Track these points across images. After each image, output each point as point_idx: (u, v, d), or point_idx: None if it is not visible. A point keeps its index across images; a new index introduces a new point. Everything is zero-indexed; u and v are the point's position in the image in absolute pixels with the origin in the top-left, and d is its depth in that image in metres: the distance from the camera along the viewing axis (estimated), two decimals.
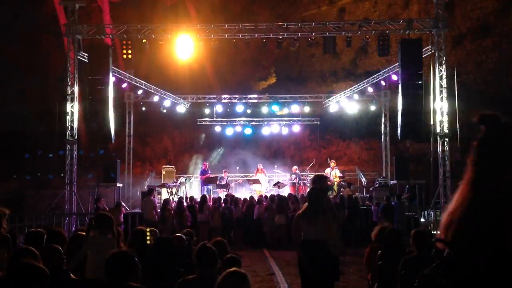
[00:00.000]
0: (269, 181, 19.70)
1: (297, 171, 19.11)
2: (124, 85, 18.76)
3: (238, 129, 23.17)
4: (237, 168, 21.22)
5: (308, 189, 15.03)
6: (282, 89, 26.70)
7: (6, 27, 26.08)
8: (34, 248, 4.08)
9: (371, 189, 18.38)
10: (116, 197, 16.62)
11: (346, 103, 20.97)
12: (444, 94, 15.52)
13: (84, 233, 5.80)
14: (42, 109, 25.64)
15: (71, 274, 4.32)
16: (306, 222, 5.64)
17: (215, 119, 22.73)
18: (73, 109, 15.82)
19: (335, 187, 18.15)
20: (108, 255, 3.31)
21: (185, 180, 19.27)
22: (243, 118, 22.60)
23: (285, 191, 17.94)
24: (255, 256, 12.25)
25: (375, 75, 19.87)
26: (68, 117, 15.74)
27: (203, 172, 18.95)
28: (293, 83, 28.88)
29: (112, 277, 3.17)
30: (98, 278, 4.51)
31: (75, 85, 15.96)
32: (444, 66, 15.57)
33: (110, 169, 16.47)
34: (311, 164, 20.16)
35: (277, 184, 18.54)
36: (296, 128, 23.16)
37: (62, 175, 16.46)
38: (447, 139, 15.39)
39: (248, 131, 23.24)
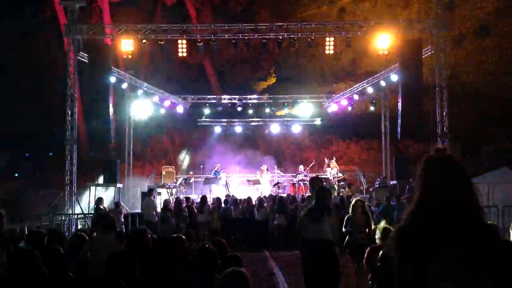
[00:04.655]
0: (269, 181, 19.72)
1: (303, 171, 19.21)
2: (124, 85, 18.77)
3: (238, 129, 23.18)
4: (237, 168, 21.22)
5: (308, 189, 15.04)
6: (282, 89, 26.70)
7: (6, 27, 26.10)
8: (35, 249, 4.08)
9: (371, 189, 18.38)
10: (116, 197, 16.61)
11: (346, 104, 20.97)
12: (444, 94, 15.52)
13: (84, 233, 5.81)
14: (42, 109, 25.65)
15: (71, 274, 4.32)
16: (311, 221, 5.66)
17: (215, 119, 22.73)
18: (73, 109, 15.82)
19: (336, 187, 18.17)
20: (108, 255, 3.31)
21: (185, 180, 19.28)
22: (243, 119, 22.60)
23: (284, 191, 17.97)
24: (255, 256, 12.24)
25: (375, 75, 19.87)
26: (68, 117, 15.73)
27: (216, 173, 19.02)
28: (293, 83, 28.86)
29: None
30: (99, 278, 4.51)
31: (75, 85, 15.97)
32: (444, 66, 15.58)
33: (110, 169, 16.47)
34: (311, 164, 20.16)
35: (277, 184, 18.56)
36: (296, 128, 23.17)
37: (62, 175, 16.46)
38: (447, 139, 15.39)
39: (248, 131, 23.23)
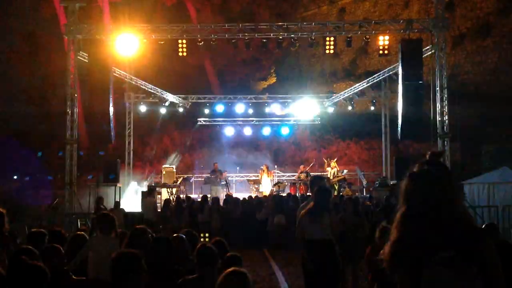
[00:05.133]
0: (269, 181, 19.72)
1: (305, 170, 19.20)
2: (124, 85, 18.77)
3: (238, 129, 23.19)
4: (237, 168, 21.23)
5: (309, 189, 15.04)
6: (282, 89, 26.71)
7: (6, 27, 26.08)
8: (36, 248, 4.08)
9: (371, 189, 18.38)
10: (116, 197, 16.61)
11: (346, 103, 20.98)
12: (444, 94, 15.52)
13: (84, 233, 5.80)
14: (42, 109, 25.65)
15: (71, 275, 4.32)
16: (311, 221, 5.65)
17: (215, 119, 22.74)
18: (73, 109, 15.82)
19: (336, 186, 18.18)
20: (113, 254, 3.28)
21: (185, 180, 19.30)
22: (243, 118, 22.61)
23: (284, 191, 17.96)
24: (255, 256, 12.24)
25: (375, 75, 19.88)
26: (68, 117, 15.73)
27: (214, 173, 19.02)
28: (293, 83, 28.87)
29: (117, 277, 3.15)
30: (100, 278, 4.51)
31: (75, 85, 15.96)
32: (444, 66, 15.57)
33: (110, 169, 16.46)
34: (311, 164, 20.18)
35: (277, 184, 18.57)
36: (296, 128, 23.16)
37: (62, 175, 16.47)
38: (447, 139, 15.39)
39: (248, 131, 23.26)
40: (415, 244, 2.08)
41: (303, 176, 18.90)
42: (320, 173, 18.29)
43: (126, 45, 15.81)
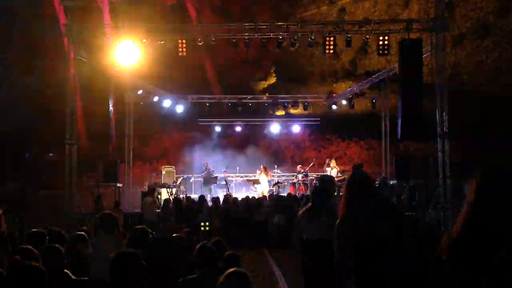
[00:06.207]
0: (269, 181, 19.72)
1: (303, 170, 19.20)
2: (124, 85, 18.76)
3: (238, 129, 23.19)
4: (237, 168, 21.22)
5: (309, 188, 15.03)
6: (282, 89, 26.72)
7: (6, 27, 26.09)
8: (36, 249, 4.09)
9: None
10: (116, 197, 16.61)
11: (346, 103, 20.98)
12: (444, 94, 15.50)
13: (84, 233, 5.80)
14: (42, 109, 25.63)
15: (71, 275, 4.32)
16: (309, 221, 5.65)
17: (215, 119, 22.72)
18: (73, 109, 15.80)
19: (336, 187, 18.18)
20: (113, 254, 3.29)
21: (185, 180, 19.30)
22: (243, 118, 22.61)
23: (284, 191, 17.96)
24: (255, 256, 12.24)
25: (375, 75, 19.87)
26: (68, 117, 15.71)
27: (206, 172, 19.01)
28: (293, 83, 28.87)
29: (117, 277, 3.15)
30: (101, 279, 4.50)
31: (75, 85, 15.94)
32: (444, 66, 15.56)
33: (110, 169, 16.45)
34: (311, 164, 20.17)
35: (277, 184, 18.58)
36: (296, 128, 23.15)
37: (62, 175, 16.43)
38: (447, 139, 15.37)
39: (247, 131, 23.26)
40: (482, 241, 2.14)
41: (301, 176, 18.90)
42: (319, 174, 18.29)
43: (126, 46, 15.80)
